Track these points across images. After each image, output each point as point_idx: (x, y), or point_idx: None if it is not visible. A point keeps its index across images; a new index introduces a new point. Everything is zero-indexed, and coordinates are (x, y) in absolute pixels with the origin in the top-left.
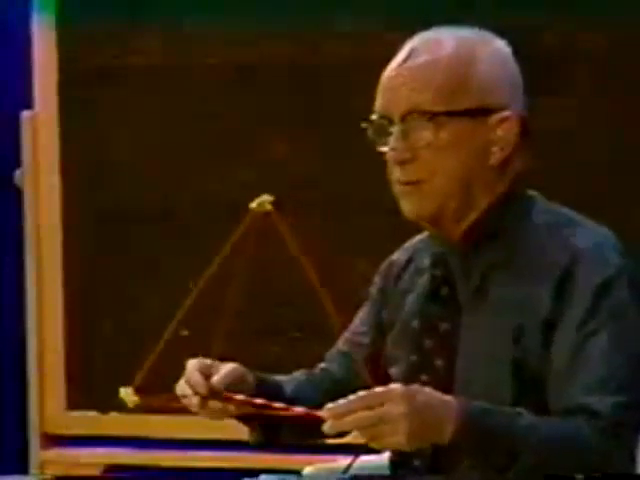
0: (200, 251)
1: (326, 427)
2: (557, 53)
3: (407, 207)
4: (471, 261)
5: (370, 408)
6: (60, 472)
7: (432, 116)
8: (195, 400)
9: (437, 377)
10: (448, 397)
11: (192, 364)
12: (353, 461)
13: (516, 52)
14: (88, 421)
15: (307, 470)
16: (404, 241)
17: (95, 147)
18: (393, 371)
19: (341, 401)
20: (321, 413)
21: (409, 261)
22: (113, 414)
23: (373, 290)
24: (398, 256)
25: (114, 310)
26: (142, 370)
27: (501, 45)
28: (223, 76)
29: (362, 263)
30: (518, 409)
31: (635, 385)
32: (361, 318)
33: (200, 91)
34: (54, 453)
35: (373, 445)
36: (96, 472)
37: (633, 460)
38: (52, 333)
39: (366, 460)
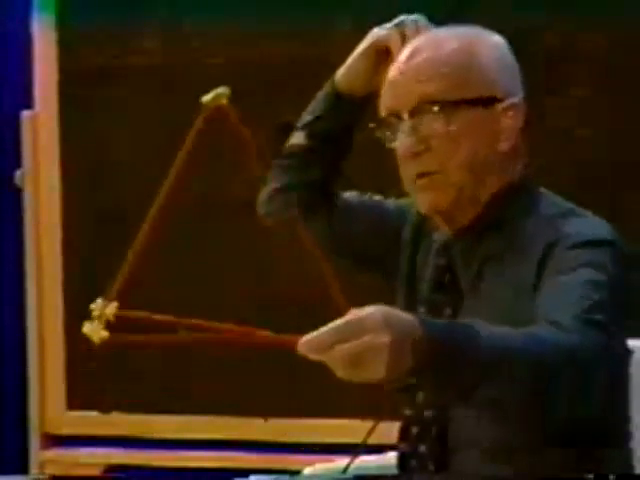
0: (200, 251)
1: (302, 350)
2: (557, 53)
3: (424, 200)
4: (472, 249)
5: (350, 339)
6: (60, 472)
7: (442, 105)
8: None
9: None
10: (410, 316)
11: None
12: (352, 461)
13: (516, 52)
14: (88, 421)
15: (307, 470)
16: None
17: (95, 147)
18: None
19: (317, 332)
20: (298, 341)
21: (423, 220)
22: (113, 414)
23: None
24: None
25: None
26: (116, 281)
27: (498, 39)
28: (223, 76)
29: None
30: (481, 324)
31: (607, 312)
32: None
33: (200, 91)
34: (54, 453)
35: (347, 377)
36: (96, 472)
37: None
38: (52, 333)
39: (367, 460)
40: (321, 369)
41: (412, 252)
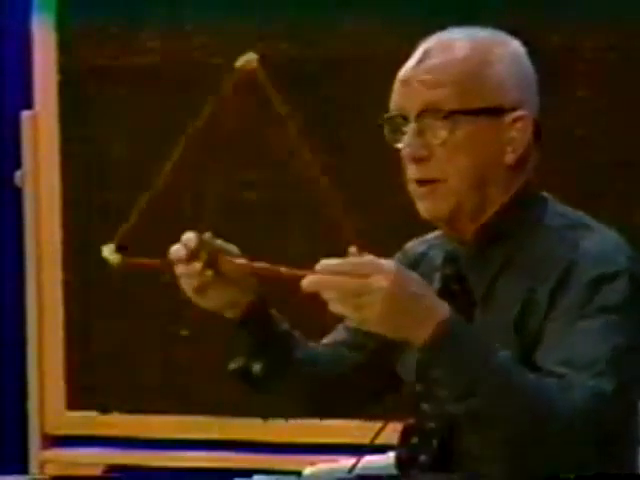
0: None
1: (305, 281)
2: (558, 53)
3: (423, 208)
4: (483, 260)
5: (358, 276)
6: (60, 472)
7: (447, 114)
8: (183, 252)
9: None
10: (439, 302)
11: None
12: (358, 461)
13: None
14: (88, 421)
15: (308, 470)
16: (408, 240)
17: (95, 147)
18: (400, 369)
19: (333, 260)
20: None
21: (423, 254)
22: (113, 414)
23: None
24: (413, 245)
25: (114, 310)
26: (125, 225)
27: (516, 45)
28: (223, 76)
29: None
30: (504, 351)
31: (613, 376)
32: None
33: (200, 91)
34: (54, 453)
35: (340, 312)
36: (96, 472)
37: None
38: (52, 333)
39: (371, 460)
40: None
41: None
